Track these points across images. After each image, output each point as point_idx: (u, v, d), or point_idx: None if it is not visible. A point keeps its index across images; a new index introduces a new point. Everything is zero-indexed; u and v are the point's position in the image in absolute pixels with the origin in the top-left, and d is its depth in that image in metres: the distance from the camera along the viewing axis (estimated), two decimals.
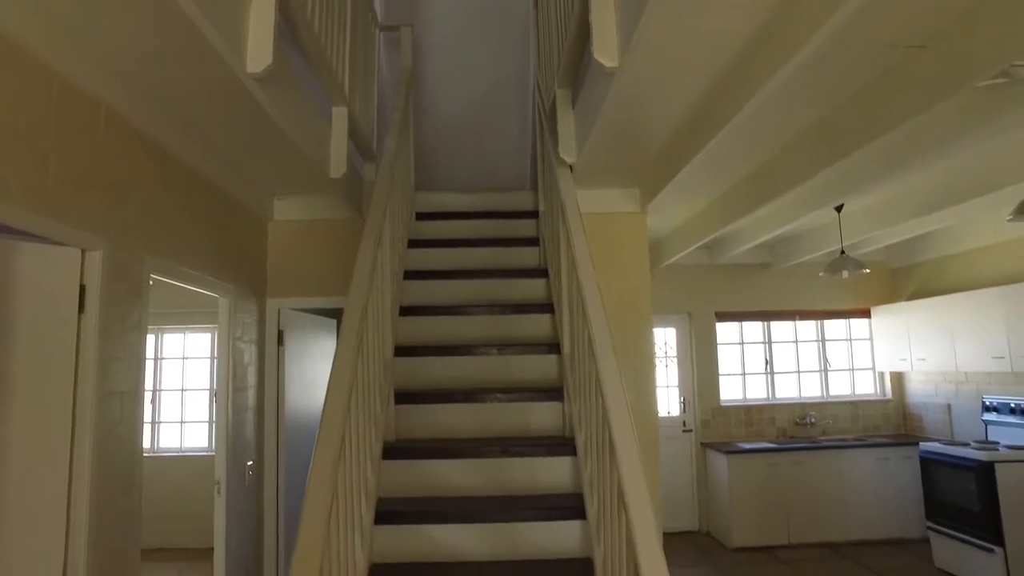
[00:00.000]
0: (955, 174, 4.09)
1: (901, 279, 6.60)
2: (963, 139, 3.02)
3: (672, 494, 6.36)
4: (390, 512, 2.48)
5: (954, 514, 4.80)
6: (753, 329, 6.76)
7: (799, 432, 6.45)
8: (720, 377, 6.58)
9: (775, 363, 6.72)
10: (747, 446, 5.98)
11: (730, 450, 5.86)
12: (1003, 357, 4.88)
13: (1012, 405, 4.93)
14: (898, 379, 6.65)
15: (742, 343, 6.73)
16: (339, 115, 3.24)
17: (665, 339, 6.63)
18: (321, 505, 1.69)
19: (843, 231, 5.10)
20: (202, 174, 3.27)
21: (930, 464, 5.08)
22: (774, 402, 6.60)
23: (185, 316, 6.16)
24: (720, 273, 6.63)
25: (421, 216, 4.37)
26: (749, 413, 6.52)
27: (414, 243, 4.02)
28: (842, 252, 4.91)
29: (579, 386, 2.66)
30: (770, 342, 6.75)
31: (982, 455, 4.56)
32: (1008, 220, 3.12)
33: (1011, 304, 4.82)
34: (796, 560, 5.39)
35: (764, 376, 6.70)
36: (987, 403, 5.20)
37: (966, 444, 5.03)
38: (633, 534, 1.63)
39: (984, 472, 4.51)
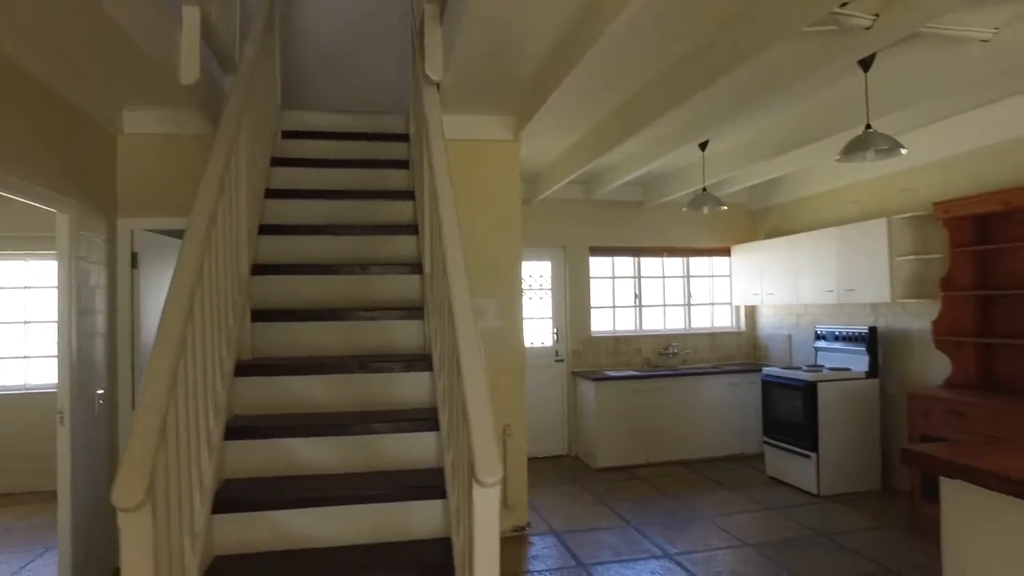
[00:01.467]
0: (801, 119, 4.43)
1: (758, 220, 7.14)
2: (803, 82, 3.27)
3: (544, 421, 6.69)
4: (242, 427, 2.47)
5: (784, 429, 5.41)
6: (624, 264, 7.10)
7: (662, 361, 6.93)
8: (592, 310, 6.89)
9: (643, 297, 7.12)
10: (614, 374, 6.37)
11: (598, 377, 6.22)
12: (832, 291, 5.45)
13: (837, 333, 5.55)
14: (751, 312, 7.26)
15: (613, 277, 7.07)
16: (190, 15, 3.01)
17: (541, 272, 6.83)
18: (158, 396, 1.66)
19: (706, 170, 5.42)
20: (35, 77, 2.94)
21: (769, 387, 5.65)
22: (641, 333, 7.03)
23: (27, 241, 5.63)
24: (595, 209, 6.86)
25: (289, 135, 4.20)
26: (618, 344, 6.92)
27: (280, 161, 3.87)
28: (703, 189, 5.22)
29: (436, 305, 2.72)
30: (640, 277, 7.12)
31: (808, 376, 5.14)
32: (836, 160, 3.43)
33: (842, 243, 5.36)
34: (652, 477, 5.87)
35: (633, 309, 7.09)
36: (818, 332, 5.81)
37: (798, 368, 5.63)
38: (472, 440, 1.72)
39: (809, 391, 5.09)
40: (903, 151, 3.25)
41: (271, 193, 3.55)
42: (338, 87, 5.17)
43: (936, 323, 4.46)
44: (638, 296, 7.11)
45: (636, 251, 7.06)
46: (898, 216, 4.92)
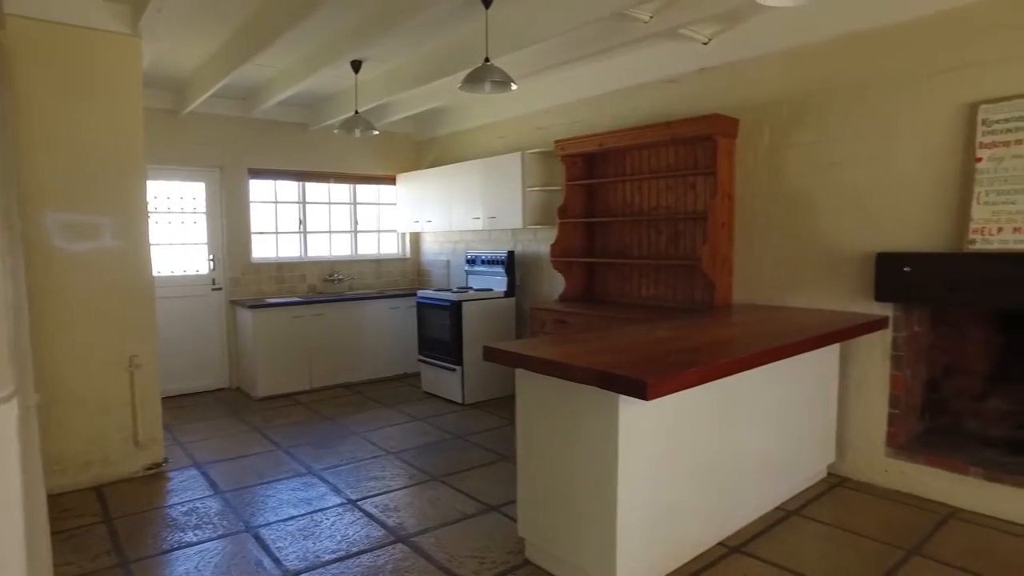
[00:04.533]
0: (437, 52, 4.64)
1: (424, 150, 7.40)
2: (435, 11, 3.37)
3: (202, 353, 6.22)
4: None
5: (435, 347, 5.84)
6: (288, 188, 6.80)
7: (328, 288, 6.89)
8: (252, 235, 6.51)
9: (309, 223, 6.93)
10: (274, 301, 6.14)
11: (255, 305, 5.94)
12: (479, 218, 5.96)
13: (483, 258, 6.11)
14: (416, 239, 7.59)
15: (276, 202, 6.73)
16: None
17: (193, 194, 6.19)
18: None
19: (363, 95, 5.38)
20: None
21: (422, 308, 6.01)
22: (306, 260, 6.87)
23: None
24: (255, 128, 6.39)
25: None
26: (281, 271, 6.67)
27: None
28: (356, 112, 5.19)
29: None
30: (305, 202, 6.90)
31: (455, 297, 5.59)
32: (459, 89, 3.66)
33: (485, 175, 5.86)
34: (313, 402, 5.88)
35: (298, 235, 6.88)
36: (468, 257, 6.34)
37: (448, 290, 6.09)
38: None
39: (455, 311, 5.55)
40: (514, 86, 3.60)
41: None
42: None
43: (553, 246, 5.17)
44: (303, 222, 6.90)
45: (301, 175, 6.80)
46: (530, 151, 5.52)
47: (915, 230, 3.48)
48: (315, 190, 6.97)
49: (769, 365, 2.82)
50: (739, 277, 4.25)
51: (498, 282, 5.93)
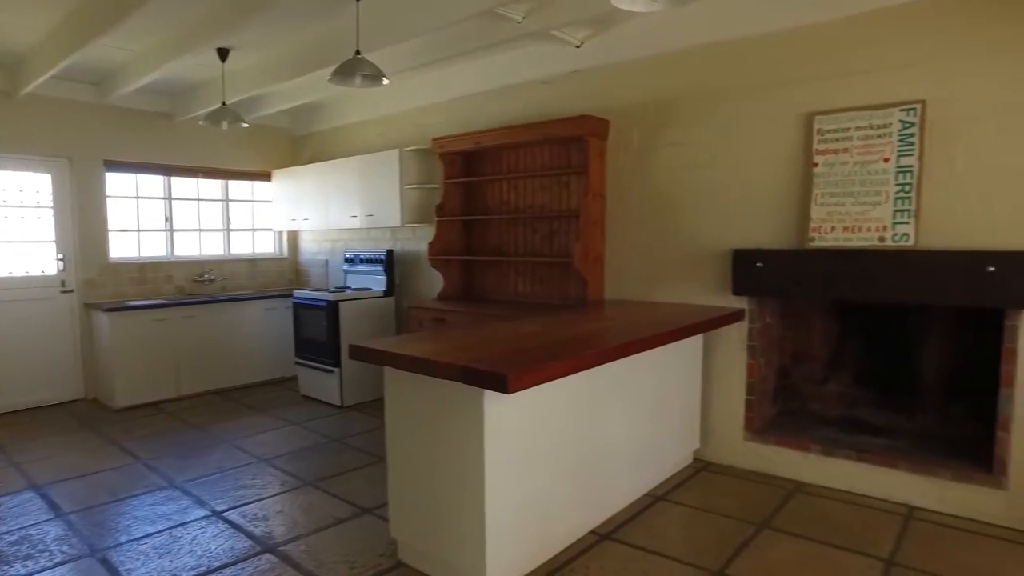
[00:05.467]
0: (310, 44, 4.49)
1: (301, 146, 7.14)
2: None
3: (51, 363, 5.66)
4: None
5: (312, 348, 5.65)
6: (152, 183, 6.34)
7: (198, 289, 6.49)
8: (110, 233, 6.01)
9: (176, 221, 6.49)
10: (136, 304, 5.70)
11: (113, 308, 5.49)
12: (356, 216, 5.83)
13: (362, 256, 5.98)
14: (293, 238, 7.31)
15: (138, 197, 6.26)
16: None
17: (36, 186, 5.63)
18: None
19: (233, 87, 5.11)
20: None
21: (299, 309, 5.80)
22: (173, 260, 6.44)
23: None
24: (112, 116, 5.90)
25: None
26: (144, 271, 6.21)
27: None
28: (223, 103, 4.92)
29: None
30: (171, 198, 6.46)
31: (331, 296, 5.43)
32: (329, 81, 3.54)
33: (363, 171, 5.75)
34: (180, 410, 5.52)
35: (164, 234, 6.42)
36: (347, 256, 6.18)
37: (325, 290, 5.91)
38: None
39: (332, 311, 5.39)
40: (385, 81, 3.53)
41: None
42: None
43: (431, 245, 5.14)
44: (169, 219, 6.45)
45: (167, 169, 6.35)
46: (408, 149, 5.46)
47: (766, 228, 3.75)
48: (183, 185, 6.53)
49: (635, 356, 2.94)
50: (611, 274, 4.41)
51: (377, 281, 5.82)
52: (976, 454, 3.34)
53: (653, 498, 3.54)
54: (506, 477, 2.50)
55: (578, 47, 4.36)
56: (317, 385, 5.67)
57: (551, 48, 4.45)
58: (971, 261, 3.07)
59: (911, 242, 3.26)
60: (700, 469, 3.96)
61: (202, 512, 3.44)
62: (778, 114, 3.67)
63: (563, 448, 2.85)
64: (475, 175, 5.15)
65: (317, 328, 5.55)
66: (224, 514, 3.40)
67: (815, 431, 3.84)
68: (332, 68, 4.20)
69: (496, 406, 2.41)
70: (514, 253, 5.00)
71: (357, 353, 2.64)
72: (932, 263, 3.17)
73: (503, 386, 2.09)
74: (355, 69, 3.42)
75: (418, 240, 5.72)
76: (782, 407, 4.22)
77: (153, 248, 6.36)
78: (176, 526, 3.27)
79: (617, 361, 2.84)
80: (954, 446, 3.53)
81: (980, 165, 3.12)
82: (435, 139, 5.10)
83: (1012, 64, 3.02)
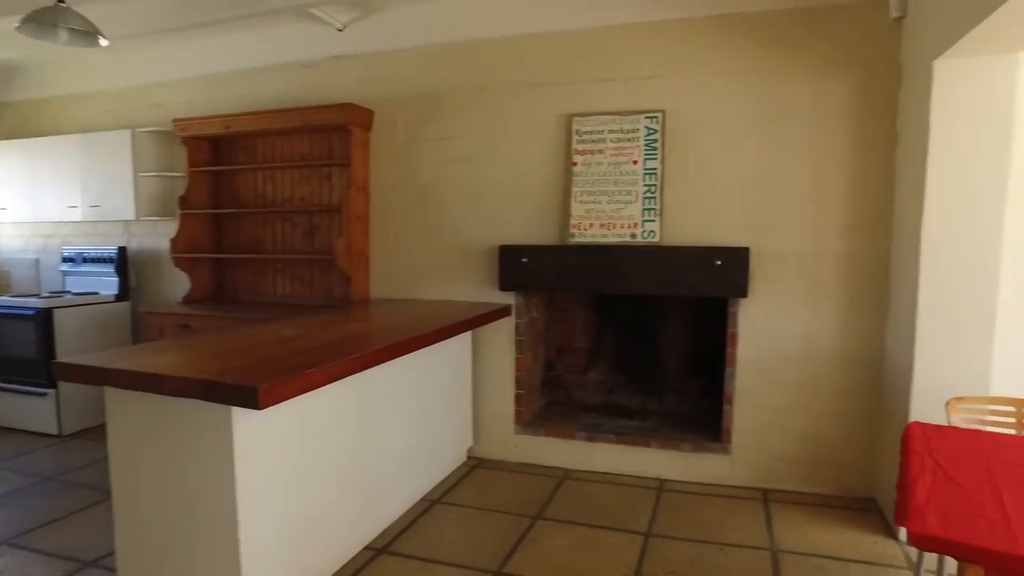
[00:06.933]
0: None
1: None
2: None
3: None
4: None
5: (14, 368, 4.60)
6: None
7: None
8: None
9: None
10: None
11: None
12: (77, 207, 4.89)
13: (86, 255, 5.04)
14: None
15: None
16: None
17: None
18: None
19: None
20: None
21: None
22: None
23: None
24: None
25: None
26: None
27: None
28: None
29: None
30: None
31: (42, 304, 4.47)
32: (16, 29, 2.83)
33: (85, 153, 4.84)
34: None
35: None
36: (65, 255, 5.16)
37: (34, 296, 4.87)
38: None
39: (43, 321, 4.43)
40: (103, 42, 2.95)
41: None
42: None
43: (175, 241, 4.48)
44: None
45: None
46: (144, 130, 4.71)
47: (531, 225, 3.85)
48: None
49: (404, 357, 2.79)
50: (376, 271, 4.21)
51: (107, 284, 4.94)
52: (709, 426, 3.76)
53: (429, 502, 3.43)
54: (264, 503, 2.19)
55: (341, 31, 4.09)
56: (23, 412, 4.63)
57: (312, 29, 4.12)
58: (704, 256, 3.43)
59: (657, 238, 3.55)
60: (474, 466, 3.94)
61: None
62: (541, 114, 3.78)
63: (331, 462, 2.61)
64: (226, 163, 4.60)
65: (21, 343, 4.52)
66: None
67: (580, 419, 4.05)
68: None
69: (248, 424, 2.09)
70: (272, 250, 4.56)
71: (63, 372, 2.13)
72: (674, 258, 3.49)
73: (252, 401, 1.81)
74: (57, 19, 2.78)
75: (159, 236, 4.96)
76: (549, 398, 4.39)
77: None
78: None
79: (385, 364, 2.66)
80: (693, 421, 3.95)
81: (707, 171, 3.52)
82: (177, 120, 4.45)
83: (727, 86, 3.45)
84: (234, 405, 1.93)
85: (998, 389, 2.80)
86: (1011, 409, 2.56)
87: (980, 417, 2.56)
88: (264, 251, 4.57)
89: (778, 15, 3.37)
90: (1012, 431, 2.50)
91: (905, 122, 3.12)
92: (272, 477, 2.24)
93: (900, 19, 3.15)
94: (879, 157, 3.27)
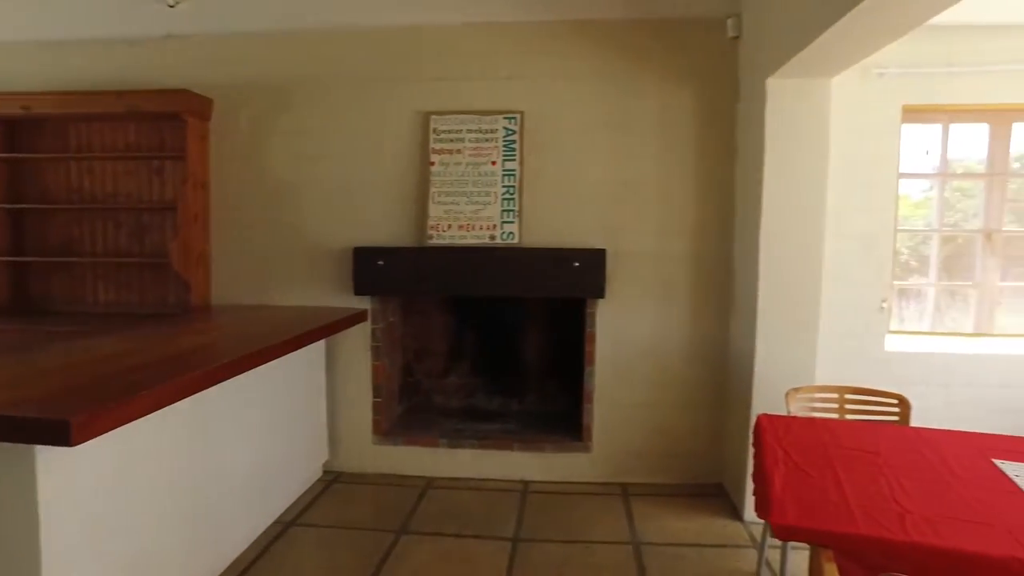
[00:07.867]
0: None
1: None
2: None
3: None
4: None
5: None
6: None
7: None
8: None
9: None
10: None
11: None
12: None
13: None
14: None
15: None
16: None
17: None
18: None
19: None
20: None
21: None
22: None
23: None
24: None
25: None
26: None
27: None
28: None
29: None
30: None
31: None
32: None
33: None
34: None
35: None
36: None
37: None
38: None
39: None
40: None
41: None
42: None
43: None
44: None
45: None
46: None
47: (388, 225, 3.68)
48: None
49: (249, 372, 2.53)
50: (219, 275, 3.83)
51: None
52: (570, 426, 3.82)
53: (283, 524, 3.17)
54: (78, 552, 1.87)
55: (172, 7, 3.65)
56: None
57: (139, 2, 3.65)
58: (562, 257, 3.47)
59: (516, 240, 3.54)
60: (331, 481, 3.71)
61: None
62: (399, 110, 3.63)
63: (162, 493, 2.30)
64: (26, 150, 3.95)
65: None
66: None
67: (441, 425, 3.95)
68: None
69: (59, 462, 1.77)
70: (91, 252, 3.99)
71: None
72: (533, 259, 3.50)
73: (64, 437, 1.52)
74: None
75: None
76: (408, 404, 4.25)
77: None
78: None
79: (229, 380, 2.40)
80: (554, 421, 3.99)
81: (565, 173, 3.57)
82: None
83: (583, 90, 3.52)
84: (39, 444, 1.62)
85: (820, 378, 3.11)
86: (835, 396, 2.83)
87: (810, 405, 2.81)
88: (81, 253, 3.99)
89: (630, 25, 3.49)
90: (835, 415, 2.78)
91: (743, 133, 3.36)
92: (88, 519, 1.92)
93: (736, 39, 3.38)
94: (720, 165, 3.49)
